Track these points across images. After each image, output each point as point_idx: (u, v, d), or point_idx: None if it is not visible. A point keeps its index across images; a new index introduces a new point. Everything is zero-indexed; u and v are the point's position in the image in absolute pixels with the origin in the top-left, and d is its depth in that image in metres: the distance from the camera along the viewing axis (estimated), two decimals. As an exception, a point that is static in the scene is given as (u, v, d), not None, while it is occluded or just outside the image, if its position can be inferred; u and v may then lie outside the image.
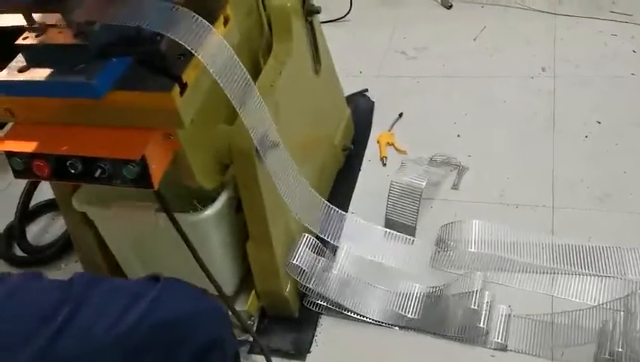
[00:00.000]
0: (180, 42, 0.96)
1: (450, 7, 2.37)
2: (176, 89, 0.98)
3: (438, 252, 1.48)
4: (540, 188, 1.61)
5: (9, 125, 1.13)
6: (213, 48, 1.01)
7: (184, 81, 0.99)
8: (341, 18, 2.40)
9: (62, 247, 1.72)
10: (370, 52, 2.23)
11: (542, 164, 1.68)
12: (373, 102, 1.99)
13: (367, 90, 2.03)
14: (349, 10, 2.41)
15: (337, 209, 1.40)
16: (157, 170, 1.03)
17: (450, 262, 1.45)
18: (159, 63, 1.00)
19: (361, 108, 1.95)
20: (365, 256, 1.43)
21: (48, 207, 1.87)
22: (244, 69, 1.06)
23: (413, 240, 1.50)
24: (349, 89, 1.94)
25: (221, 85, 1.02)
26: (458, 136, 1.81)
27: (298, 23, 1.39)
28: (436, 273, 1.45)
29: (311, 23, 1.45)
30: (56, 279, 0.89)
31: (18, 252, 1.77)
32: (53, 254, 1.72)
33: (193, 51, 0.97)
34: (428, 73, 2.08)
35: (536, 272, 1.42)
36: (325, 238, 1.38)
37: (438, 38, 2.23)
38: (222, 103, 1.15)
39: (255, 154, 1.17)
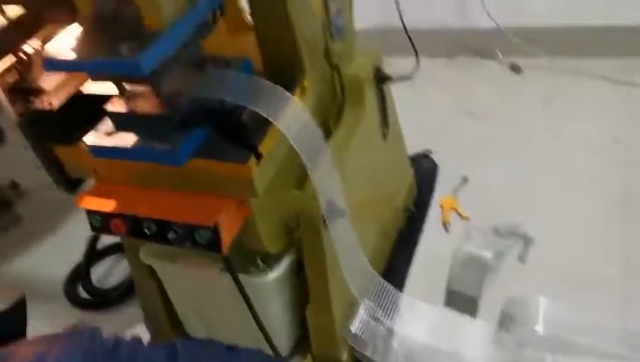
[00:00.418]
0: (261, 113, 0.99)
1: (520, 71, 2.35)
2: (253, 160, 1.00)
3: (503, 330, 1.43)
4: (613, 266, 1.55)
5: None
6: (293, 118, 1.03)
7: (260, 152, 1.02)
8: (407, 77, 2.41)
9: (125, 291, 1.76)
10: (436, 112, 2.22)
11: (615, 241, 1.61)
12: (436, 165, 1.98)
13: (430, 152, 2.02)
14: (416, 69, 2.42)
15: (395, 288, 1.37)
16: (227, 236, 1.06)
17: (516, 342, 1.40)
18: (238, 133, 1.03)
19: (424, 170, 1.94)
20: (423, 339, 1.39)
21: (114, 249, 1.92)
22: (323, 137, 1.08)
23: (476, 320, 1.45)
24: (412, 148, 1.93)
25: (300, 154, 1.04)
26: (525, 205, 1.77)
27: (370, 91, 1.41)
28: (501, 353, 1.40)
29: (382, 90, 1.46)
30: (157, 346, 0.90)
31: (82, 293, 1.83)
32: (116, 298, 1.76)
33: (273, 121, 1.00)
34: (494, 138, 2.05)
35: (607, 358, 1.35)
36: (381, 316, 1.36)
37: (505, 103, 2.21)
38: (292, 169, 1.18)
39: (322, 222, 1.17)
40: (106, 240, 1.90)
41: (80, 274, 1.85)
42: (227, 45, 1.20)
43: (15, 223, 2.18)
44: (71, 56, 0.92)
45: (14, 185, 1.23)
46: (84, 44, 0.93)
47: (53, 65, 0.93)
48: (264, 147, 1.03)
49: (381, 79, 1.42)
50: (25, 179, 1.21)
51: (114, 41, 0.90)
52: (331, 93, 1.34)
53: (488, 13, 2.34)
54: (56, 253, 1.99)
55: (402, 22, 2.46)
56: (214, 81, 1.03)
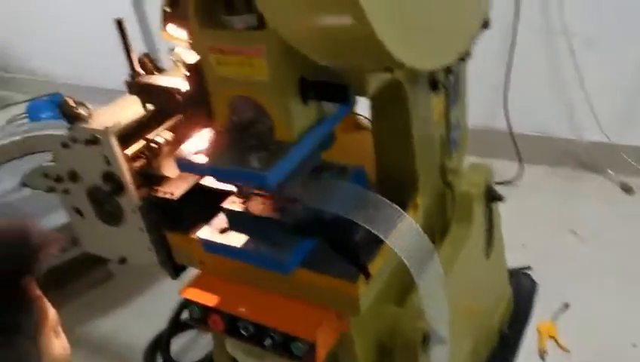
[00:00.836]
0: (374, 231, 0.98)
1: (632, 192, 2.23)
2: (362, 279, 0.98)
3: None
4: None
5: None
6: (405, 237, 1.01)
7: (370, 272, 1.00)
8: (509, 182, 2.35)
9: (203, 369, 1.76)
10: (537, 224, 2.13)
11: None
12: (536, 284, 1.87)
13: (529, 268, 1.92)
14: (520, 174, 2.36)
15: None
16: (323, 350, 1.03)
17: None
18: (348, 248, 1.02)
19: (522, 288, 1.84)
20: None
21: (196, 323, 1.93)
22: (436, 257, 1.05)
23: None
24: (510, 261, 1.84)
25: (413, 274, 1.01)
26: (634, 346, 1.62)
27: (479, 208, 1.37)
28: None
29: (490, 208, 1.42)
30: None
31: (161, 364, 1.84)
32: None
33: (385, 240, 0.98)
34: (601, 263, 1.92)
35: None
36: None
37: (615, 225, 2.08)
38: (394, 284, 1.14)
39: (421, 347, 1.12)
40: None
41: (161, 344, 1.86)
42: (340, 143, 1.22)
43: (106, 279, 2.27)
44: (203, 160, 0.96)
45: (122, 261, 1.27)
46: (216, 148, 0.97)
47: (186, 166, 0.97)
48: (374, 267, 1.01)
49: (492, 198, 1.38)
50: (134, 257, 1.24)
51: (244, 150, 0.93)
52: (439, 208, 1.31)
53: (600, 127, 2.26)
54: (140, 316, 2.03)
55: (508, 124, 2.43)
56: (329, 191, 1.04)
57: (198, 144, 0.99)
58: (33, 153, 2.62)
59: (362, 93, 0.94)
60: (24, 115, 3.64)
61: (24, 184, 1.33)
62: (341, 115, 1.04)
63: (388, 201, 1.02)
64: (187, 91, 1.03)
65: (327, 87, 0.90)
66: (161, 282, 2.10)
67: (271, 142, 0.94)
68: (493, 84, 2.34)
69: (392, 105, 1.09)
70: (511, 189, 2.31)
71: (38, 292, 0.78)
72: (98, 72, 3.69)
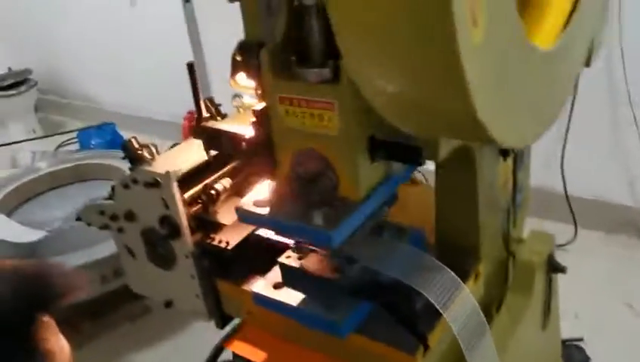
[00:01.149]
0: (431, 299, 0.94)
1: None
2: (420, 351, 0.94)
3: None
4: None
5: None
6: (461, 308, 0.97)
7: (429, 343, 0.95)
8: (563, 246, 2.27)
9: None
10: (591, 294, 2.04)
11: None
12: (589, 359, 1.77)
13: (582, 340, 1.83)
14: (574, 238, 2.28)
15: None
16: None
17: None
18: (407, 316, 0.98)
19: None
20: None
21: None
22: (490, 334, 1.00)
23: None
24: (562, 331, 1.75)
25: (464, 350, 0.96)
26: None
27: (540, 279, 1.31)
28: None
29: (550, 279, 1.35)
30: None
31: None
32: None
33: (442, 312, 0.93)
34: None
35: None
36: None
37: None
38: (449, 358, 1.09)
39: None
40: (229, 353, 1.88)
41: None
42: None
43: (144, 313, 2.26)
44: (264, 211, 0.94)
45: (168, 304, 1.25)
46: (278, 200, 0.95)
47: (246, 217, 0.95)
48: (433, 338, 0.96)
49: (553, 268, 1.32)
50: (181, 302, 1.22)
51: (307, 205, 0.91)
52: (498, 275, 1.26)
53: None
54: (176, 353, 2.00)
55: (564, 186, 2.36)
56: (388, 252, 1.01)
57: (260, 195, 0.97)
58: (83, 181, 2.69)
59: (432, 158, 0.91)
60: (74, 141, 3.74)
61: (78, 218, 1.33)
62: (407, 174, 1.02)
63: (447, 269, 0.99)
64: (252, 138, 1.02)
65: (400, 149, 0.87)
66: (198, 320, 2.07)
67: (335, 198, 0.92)
68: (550, 145, 2.29)
69: (458, 168, 1.05)
70: (564, 254, 2.23)
71: (50, 333, 0.76)
72: (150, 104, 3.79)
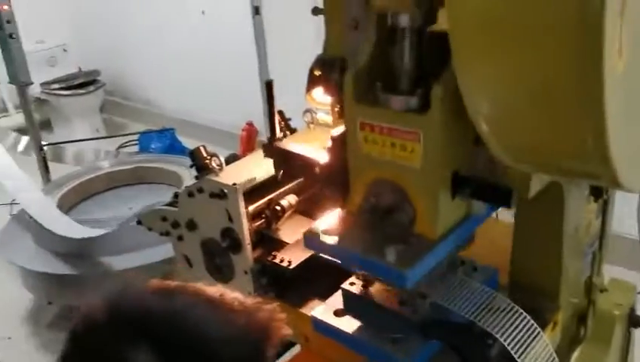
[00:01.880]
0: (506, 346, 0.87)
1: None
2: (492, 404, 0.86)
3: None
4: None
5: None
6: (540, 360, 0.89)
7: (502, 393, 0.87)
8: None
9: None
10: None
11: None
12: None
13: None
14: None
15: None
16: None
17: None
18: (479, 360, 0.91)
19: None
20: None
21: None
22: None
23: None
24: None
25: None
26: None
27: (620, 331, 1.21)
28: None
29: (629, 332, 1.25)
30: None
31: None
32: None
33: (517, 359, 0.86)
34: None
35: None
36: None
37: None
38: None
39: None
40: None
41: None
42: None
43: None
44: (333, 241, 0.89)
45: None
46: (348, 230, 0.90)
47: (314, 245, 0.91)
48: (507, 388, 0.88)
49: (634, 323, 1.21)
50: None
51: (380, 238, 0.85)
52: (574, 323, 1.17)
53: None
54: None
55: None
56: (462, 291, 0.94)
57: (329, 222, 0.92)
58: (140, 183, 2.72)
59: (523, 194, 0.84)
60: (135, 143, 3.82)
61: (139, 222, 1.32)
62: (488, 213, 0.95)
63: (526, 314, 0.91)
64: (326, 164, 0.97)
65: (490, 189, 0.81)
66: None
67: (410, 234, 0.86)
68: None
69: (544, 205, 0.98)
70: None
71: None
72: (210, 112, 3.83)
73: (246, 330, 0.65)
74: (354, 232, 0.89)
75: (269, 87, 1.06)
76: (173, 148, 3.59)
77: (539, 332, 0.91)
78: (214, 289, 0.66)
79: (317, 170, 0.96)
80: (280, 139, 1.08)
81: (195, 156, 1.12)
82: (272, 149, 1.05)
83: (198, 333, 0.61)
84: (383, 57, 0.86)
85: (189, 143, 3.57)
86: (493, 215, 1.47)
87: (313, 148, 1.01)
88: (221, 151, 3.49)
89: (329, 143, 0.95)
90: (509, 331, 0.89)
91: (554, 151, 0.59)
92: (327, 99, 1.04)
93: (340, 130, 0.93)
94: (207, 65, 3.69)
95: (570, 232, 1.00)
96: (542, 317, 0.98)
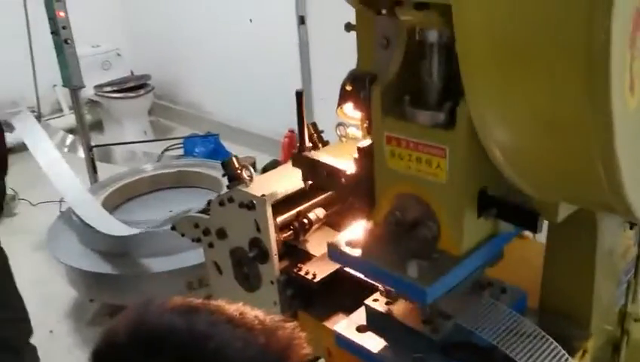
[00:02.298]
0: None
1: None
2: None
3: None
4: None
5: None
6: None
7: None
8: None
9: None
10: None
11: None
12: None
13: None
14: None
15: None
16: None
17: None
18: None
19: None
20: None
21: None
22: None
23: None
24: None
25: None
26: None
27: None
28: None
29: (667, 364, 1.19)
30: None
31: None
32: None
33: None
34: None
35: None
36: None
37: None
38: None
39: None
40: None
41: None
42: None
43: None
44: (356, 253, 0.89)
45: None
46: (372, 243, 0.90)
47: (338, 257, 0.91)
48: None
49: (672, 354, 1.16)
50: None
51: (403, 253, 0.85)
52: (606, 353, 1.12)
53: None
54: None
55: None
56: (488, 314, 0.92)
57: (353, 234, 0.92)
58: (182, 187, 2.78)
59: (550, 218, 0.82)
60: (180, 146, 3.91)
61: (173, 227, 1.35)
62: (517, 232, 0.93)
63: (553, 341, 0.89)
64: (352, 175, 0.97)
65: (516, 212, 0.79)
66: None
67: (434, 250, 0.85)
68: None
69: (576, 229, 0.95)
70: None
71: None
72: (254, 118, 3.88)
73: (265, 350, 0.65)
74: (377, 245, 0.89)
75: (298, 97, 1.07)
76: (217, 153, 3.65)
77: (566, 360, 0.89)
78: (234, 308, 0.67)
79: (343, 180, 0.96)
80: (309, 149, 1.09)
81: (227, 166, 1.14)
82: (300, 159, 1.06)
83: (218, 353, 0.62)
84: (412, 72, 0.85)
85: (233, 149, 3.62)
86: (530, 235, 1.44)
87: (340, 159, 1.02)
88: (263, 158, 3.54)
89: (355, 154, 0.95)
90: (534, 357, 0.87)
91: (567, 183, 0.57)
92: (357, 114, 1.04)
93: (367, 141, 0.94)
94: (253, 72, 3.74)
95: (603, 257, 0.97)
96: (570, 344, 0.95)
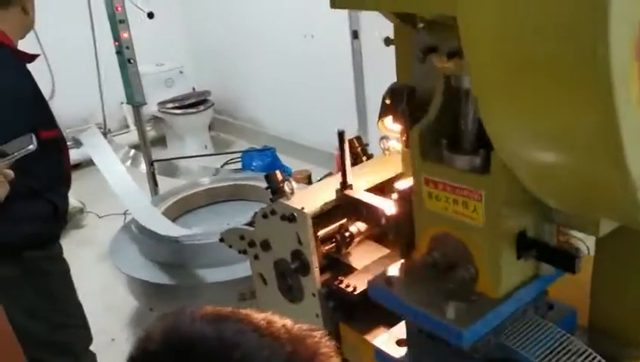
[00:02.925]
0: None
1: None
2: None
3: None
4: None
5: None
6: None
7: None
8: None
9: None
10: None
11: None
12: None
13: None
14: None
15: None
16: None
17: None
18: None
19: None
20: None
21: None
22: None
23: None
24: None
25: None
26: None
27: None
28: None
29: None
30: None
31: None
32: None
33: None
34: None
35: None
36: None
37: None
38: None
39: None
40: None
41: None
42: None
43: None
44: (395, 291, 0.90)
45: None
46: (411, 281, 0.91)
47: (378, 295, 0.92)
48: None
49: None
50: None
51: (441, 293, 0.85)
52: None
53: None
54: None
55: None
56: (533, 332, 0.90)
57: (393, 272, 0.93)
58: (239, 200, 2.85)
59: (592, 233, 0.80)
60: (238, 160, 4.00)
61: (221, 239, 1.39)
62: (557, 276, 0.90)
63: (602, 360, 0.85)
64: (392, 216, 0.98)
65: (554, 253, 0.78)
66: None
67: (472, 292, 0.85)
68: None
69: (622, 245, 0.91)
70: None
71: None
72: (309, 132, 3.93)
73: (292, 358, 0.66)
74: (416, 285, 0.89)
75: (341, 137, 1.09)
76: (274, 166, 3.71)
77: (615, 382, 0.85)
78: (262, 316, 0.68)
79: (383, 220, 0.98)
80: (351, 187, 1.10)
81: (270, 180, 1.17)
82: (342, 197, 1.09)
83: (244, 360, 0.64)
84: (449, 116, 0.86)
85: (289, 162, 3.68)
86: (584, 250, 1.39)
87: (382, 200, 1.03)
88: (318, 170, 3.56)
89: (395, 195, 0.96)
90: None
91: (585, 194, 0.56)
92: (397, 127, 1.05)
93: (405, 183, 0.95)
94: (308, 86, 3.80)
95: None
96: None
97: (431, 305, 0.83)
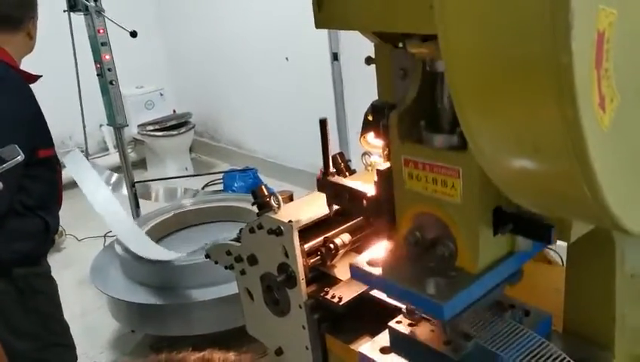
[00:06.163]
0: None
1: None
2: None
3: None
4: None
5: None
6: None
7: None
8: None
9: None
10: None
11: None
12: None
13: None
14: None
15: None
16: None
17: None
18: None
19: None
20: None
21: None
22: None
23: None
24: None
25: None
26: None
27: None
28: None
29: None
30: None
31: None
32: None
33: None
34: None
35: None
36: None
37: None
38: None
39: None
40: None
41: None
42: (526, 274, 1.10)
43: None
44: (377, 271, 0.93)
45: (279, 352, 1.26)
46: (392, 262, 0.94)
47: (359, 275, 0.95)
48: None
49: None
50: (290, 352, 1.23)
51: (421, 271, 0.88)
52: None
53: None
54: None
55: None
56: (510, 335, 0.94)
57: (375, 254, 0.96)
58: (219, 221, 2.86)
59: (563, 238, 0.84)
60: (220, 181, 4.02)
61: (207, 255, 1.41)
62: (534, 251, 0.95)
63: (577, 365, 0.89)
64: (373, 197, 1.02)
65: (530, 225, 0.82)
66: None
67: (451, 268, 0.88)
68: None
69: (594, 253, 0.96)
70: None
71: None
72: (290, 153, 3.97)
73: None
74: (397, 264, 0.92)
75: (322, 125, 1.13)
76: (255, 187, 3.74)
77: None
78: (199, 356, 0.69)
79: (364, 202, 1.01)
80: (333, 175, 1.14)
81: (256, 195, 1.20)
82: (324, 183, 1.11)
83: None
84: (427, 99, 0.91)
85: (271, 183, 3.71)
86: (559, 261, 1.44)
87: (363, 183, 1.06)
88: (300, 191, 3.58)
89: (375, 177, 1.00)
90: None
91: (555, 198, 0.60)
92: (379, 142, 1.09)
93: (386, 165, 0.99)
94: (289, 108, 3.85)
95: (624, 279, 0.97)
96: (595, 367, 0.95)
97: (412, 282, 0.86)
